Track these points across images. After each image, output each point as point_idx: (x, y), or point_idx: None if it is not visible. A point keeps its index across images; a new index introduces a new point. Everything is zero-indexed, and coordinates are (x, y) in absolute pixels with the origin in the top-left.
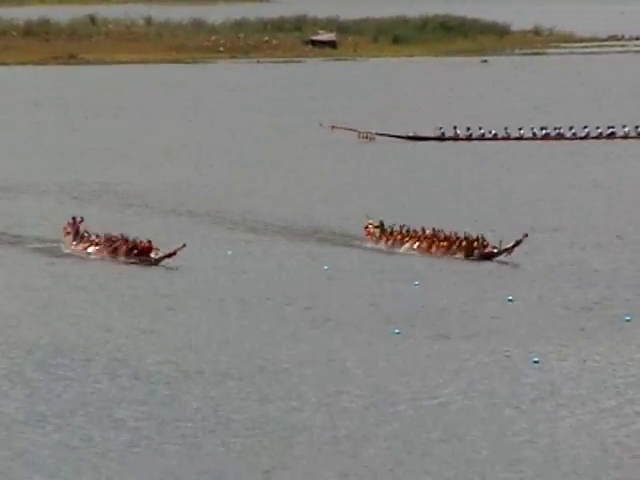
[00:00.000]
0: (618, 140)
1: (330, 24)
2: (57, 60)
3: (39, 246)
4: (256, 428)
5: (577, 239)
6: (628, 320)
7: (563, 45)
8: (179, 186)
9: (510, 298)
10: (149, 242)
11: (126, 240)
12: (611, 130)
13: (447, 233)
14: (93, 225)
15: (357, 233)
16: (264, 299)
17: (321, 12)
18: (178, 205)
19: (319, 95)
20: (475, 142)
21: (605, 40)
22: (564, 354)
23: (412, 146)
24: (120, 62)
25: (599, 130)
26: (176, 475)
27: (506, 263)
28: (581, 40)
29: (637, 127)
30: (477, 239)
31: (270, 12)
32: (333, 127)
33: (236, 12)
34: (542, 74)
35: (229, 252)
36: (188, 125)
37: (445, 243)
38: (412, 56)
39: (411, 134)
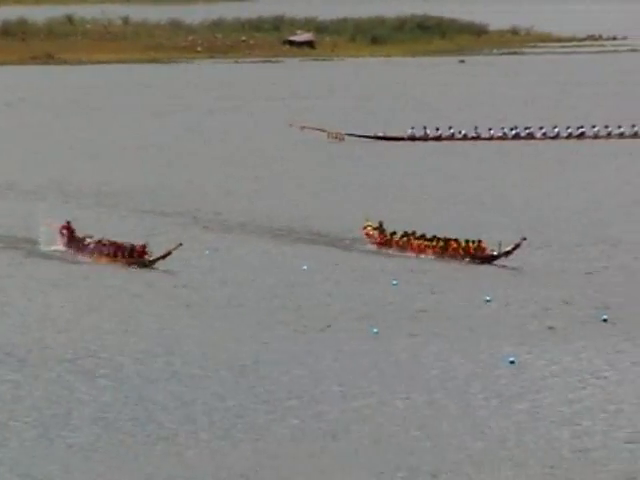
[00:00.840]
0: (588, 140)
1: (308, 24)
2: (35, 60)
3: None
4: (233, 428)
5: (552, 239)
6: (605, 320)
7: (541, 45)
8: (147, 186)
9: (488, 298)
10: (143, 246)
11: (119, 243)
12: (581, 130)
13: (446, 237)
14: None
15: (335, 233)
16: (240, 299)
17: (299, 12)
18: (145, 205)
19: (294, 95)
20: (445, 142)
21: (583, 40)
22: (541, 354)
23: (381, 146)
24: (98, 62)
25: (569, 130)
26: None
27: (484, 264)
28: (559, 40)
29: (606, 127)
30: (476, 242)
31: (248, 12)
32: (303, 127)
33: (214, 12)
34: (519, 74)
35: (206, 252)
36: (160, 125)
37: (443, 246)
38: (390, 56)
39: (380, 134)
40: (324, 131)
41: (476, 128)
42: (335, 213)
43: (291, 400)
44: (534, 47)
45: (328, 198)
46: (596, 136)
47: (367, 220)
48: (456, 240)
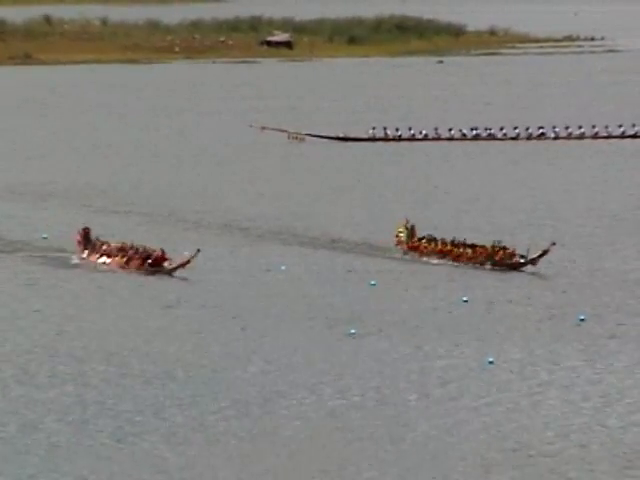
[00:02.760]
0: (548, 141)
1: (286, 25)
2: (13, 60)
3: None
4: (204, 429)
5: (523, 239)
6: (582, 320)
7: (519, 46)
8: (95, 185)
9: (465, 299)
10: (162, 251)
11: (139, 249)
12: (541, 131)
13: (473, 242)
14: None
15: (309, 233)
16: (218, 301)
17: (277, 12)
18: (93, 202)
19: (264, 95)
20: (405, 143)
21: (560, 41)
22: (519, 354)
23: (341, 147)
24: (75, 62)
25: (529, 131)
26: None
27: (461, 264)
28: (536, 40)
29: (567, 128)
30: (504, 249)
31: (226, 12)
32: (263, 128)
33: (191, 12)
34: (496, 75)
35: (185, 252)
36: (121, 125)
37: (472, 252)
38: (367, 56)
39: (341, 135)
40: (285, 132)
41: (436, 129)
42: (304, 213)
43: (266, 399)
44: (512, 48)
45: (295, 198)
46: (556, 137)
47: (399, 226)
48: (483, 246)
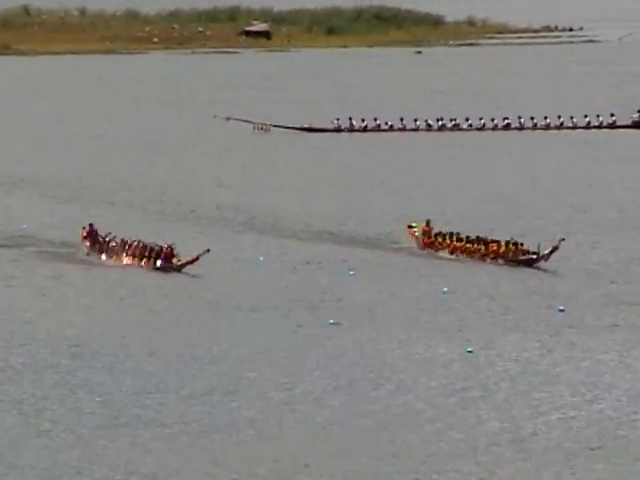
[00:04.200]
0: (513, 131)
1: (264, 15)
2: None
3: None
4: (186, 421)
5: (497, 229)
6: (562, 310)
7: (497, 36)
8: (56, 175)
9: (444, 289)
10: (171, 248)
11: (147, 246)
12: (507, 122)
13: (488, 238)
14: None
15: (284, 224)
16: (194, 291)
17: (255, 2)
18: (57, 193)
19: (243, 86)
20: (371, 133)
21: (538, 31)
22: (498, 344)
23: (307, 138)
24: (54, 52)
25: (495, 122)
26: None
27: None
28: (515, 31)
29: (532, 118)
30: (517, 244)
31: (204, 3)
32: (228, 118)
33: (170, 3)
34: (472, 65)
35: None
36: (102, 116)
37: (485, 247)
38: (346, 47)
39: (306, 126)
40: (250, 122)
41: (402, 119)
42: (278, 204)
43: (244, 391)
44: (490, 38)
45: (266, 189)
46: (522, 127)
47: (411, 221)
48: (497, 242)
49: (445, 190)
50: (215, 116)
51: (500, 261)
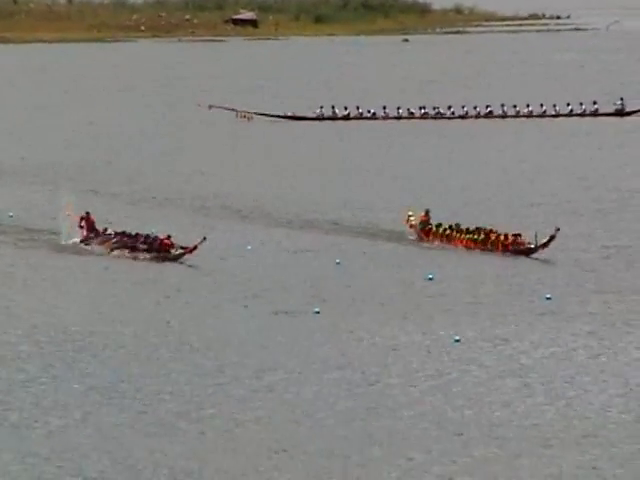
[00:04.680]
0: (496, 119)
1: (252, 3)
2: None
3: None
4: (167, 408)
5: (481, 217)
6: (549, 299)
7: (484, 24)
8: (55, 163)
9: (430, 277)
10: (168, 238)
11: (144, 235)
12: (489, 109)
13: (485, 227)
14: None
15: (272, 213)
16: (184, 280)
17: None
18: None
19: (229, 74)
20: (353, 122)
21: (526, 19)
22: (485, 333)
23: (290, 126)
24: (41, 41)
25: (477, 109)
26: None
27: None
28: (502, 19)
29: (515, 106)
30: (515, 234)
31: None
32: (210, 106)
33: None
34: (459, 53)
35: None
36: (89, 105)
37: (484, 237)
38: (333, 35)
39: (289, 114)
40: (233, 110)
41: (385, 107)
42: (264, 192)
43: (229, 380)
44: (478, 26)
45: (251, 177)
46: (504, 115)
47: (409, 210)
48: (496, 233)
49: (427, 178)
50: (198, 104)
51: (499, 252)
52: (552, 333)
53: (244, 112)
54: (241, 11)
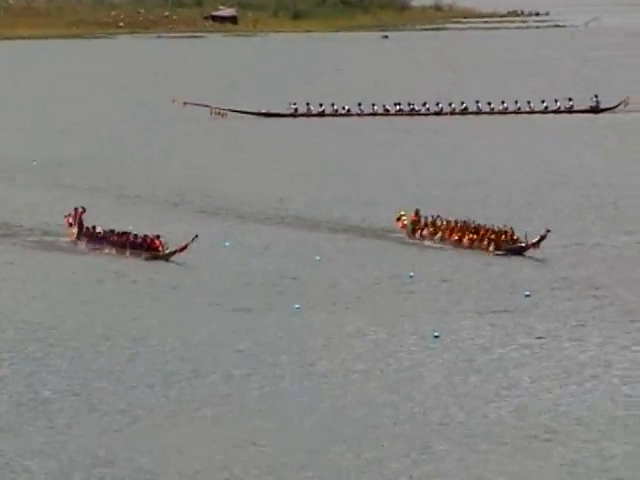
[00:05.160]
0: (471, 116)
1: None
2: None
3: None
4: (143, 405)
5: (460, 215)
6: (528, 295)
7: (463, 20)
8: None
9: (411, 274)
10: (157, 236)
11: (133, 234)
12: (464, 106)
13: (477, 225)
14: None
15: (244, 209)
16: (163, 277)
17: None
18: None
19: (207, 71)
20: (328, 118)
21: (505, 16)
22: (464, 329)
23: (264, 123)
24: (20, 37)
25: (452, 106)
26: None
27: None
28: (481, 16)
29: (489, 103)
30: (507, 232)
31: None
32: (185, 103)
33: None
34: (437, 50)
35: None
36: (67, 101)
37: (475, 235)
38: (312, 31)
39: (263, 111)
40: (207, 107)
41: (360, 104)
42: (242, 188)
43: (210, 377)
44: (457, 23)
45: (228, 174)
46: (479, 112)
47: (401, 210)
48: (487, 230)
49: (403, 175)
50: (173, 100)
51: (490, 250)
52: (530, 329)
53: (218, 109)
54: (220, 8)
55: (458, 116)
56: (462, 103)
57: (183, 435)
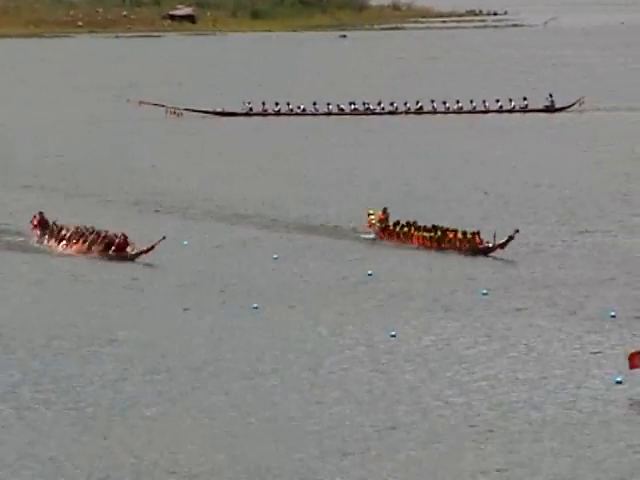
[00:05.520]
0: (426, 115)
1: None
2: None
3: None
4: (100, 403)
5: (424, 214)
6: (485, 294)
7: (421, 20)
8: None
9: (370, 273)
10: (124, 236)
11: (100, 234)
12: (419, 105)
13: (445, 227)
14: None
15: (202, 208)
16: (121, 276)
17: None
18: None
19: (162, 69)
20: (284, 117)
21: (463, 15)
22: (421, 327)
23: (219, 122)
24: None
25: (407, 105)
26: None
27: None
28: (440, 15)
29: (444, 102)
30: (473, 234)
31: None
32: (141, 102)
33: None
34: (394, 50)
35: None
36: (22, 101)
37: (441, 237)
38: (270, 31)
39: (219, 110)
40: (163, 106)
41: (315, 103)
42: (199, 187)
43: (167, 377)
44: (415, 22)
45: (184, 173)
46: (434, 111)
47: (369, 209)
48: (454, 231)
49: (357, 174)
50: (128, 100)
51: (456, 250)
52: (486, 327)
53: (173, 108)
54: (178, 7)
55: (413, 115)
56: (417, 102)
57: (133, 434)
